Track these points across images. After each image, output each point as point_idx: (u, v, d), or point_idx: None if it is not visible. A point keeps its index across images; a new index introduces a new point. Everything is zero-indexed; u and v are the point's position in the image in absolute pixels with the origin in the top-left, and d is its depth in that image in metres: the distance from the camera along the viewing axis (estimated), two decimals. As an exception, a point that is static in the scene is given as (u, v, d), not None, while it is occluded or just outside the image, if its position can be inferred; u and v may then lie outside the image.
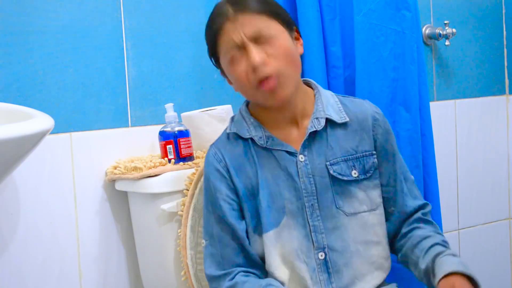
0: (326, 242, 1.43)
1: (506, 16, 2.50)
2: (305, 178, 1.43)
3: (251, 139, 1.46)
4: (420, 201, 1.52)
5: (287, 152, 1.44)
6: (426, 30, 2.28)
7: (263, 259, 1.46)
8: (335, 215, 1.44)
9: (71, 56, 1.73)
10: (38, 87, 1.69)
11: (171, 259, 1.69)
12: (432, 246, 1.42)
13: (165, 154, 1.72)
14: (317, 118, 1.45)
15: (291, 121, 1.46)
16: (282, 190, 1.43)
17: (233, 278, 1.42)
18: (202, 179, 1.63)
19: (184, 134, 1.73)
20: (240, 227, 1.44)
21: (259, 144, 1.45)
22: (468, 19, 2.41)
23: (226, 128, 1.51)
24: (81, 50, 1.75)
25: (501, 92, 2.53)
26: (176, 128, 1.73)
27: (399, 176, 1.49)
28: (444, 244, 1.43)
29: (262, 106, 1.46)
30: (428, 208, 1.52)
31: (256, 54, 1.37)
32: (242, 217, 1.46)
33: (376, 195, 1.48)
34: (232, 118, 1.51)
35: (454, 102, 2.40)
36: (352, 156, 1.46)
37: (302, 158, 1.44)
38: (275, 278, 1.43)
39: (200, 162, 1.71)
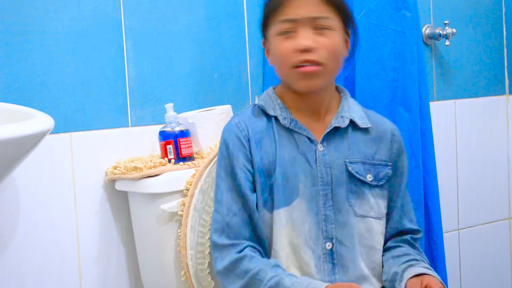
0: (335, 233, 1.44)
1: (506, 16, 2.50)
2: (322, 167, 1.45)
3: (275, 118, 1.47)
4: (414, 226, 1.55)
5: (308, 138, 1.46)
6: (426, 30, 2.28)
7: (268, 238, 1.45)
8: (347, 212, 1.45)
9: (71, 56, 1.73)
10: (38, 87, 1.69)
11: (171, 259, 1.69)
12: (409, 260, 1.45)
13: (165, 154, 1.72)
14: (342, 117, 1.48)
15: (314, 112, 1.48)
16: (298, 172, 1.44)
17: (241, 251, 1.41)
18: (202, 179, 1.64)
19: (184, 134, 1.73)
20: (252, 198, 1.44)
21: (282, 123, 1.46)
22: (468, 19, 2.41)
23: (250, 105, 1.53)
24: (81, 50, 1.75)
25: (501, 92, 2.53)
26: (176, 128, 1.73)
27: (401, 195, 1.52)
28: (422, 261, 1.46)
29: (291, 87, 1.47)
30: (419, 235, 1.55)
31: (308, 38, 1.40)
32: (254, 190, 1.45)
33: (383, 205, 1.50)
34: (258, 97, 1.53)
35: (454, 102, 2.40)
36: (369, 161, 1.48)
37: (321, 147, 1.46)
38: (278, 258, 1.43)
39: (200, 162, 1.71)
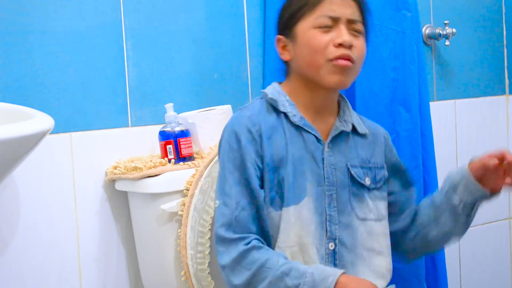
0: (338, 234, 1.44)
1: (506, 16, 2.50)
2: (329, 168, 1.46)
3: (285, 114, 1.46)
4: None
5: (316, 137, 1.46)
6: (426, 30, 2.28)
7: (272, 235, 1.44)
8: (349, 214, 1.46)
9: (71, 56, 1.73)
10: (38, 87, 1.69)
11: (171, 259, 1.69)
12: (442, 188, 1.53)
13: (165, 154, 1.73)
14: (345, 121, 1.50)
15: (319, 112, 1.49)
16: (306, 171, 1.44)
17: (249, 242, 1.39)
18: (202, 179, 1.64)
19: (184, 134, 1.73)
20: (261, 194, 1.42)
21: (292, 120, 1.46)
22: (468, 19, 2.41)
23: (257, 99, 1.51)
24: (81, 50, 1.75)
25: (501, 92, 2.53)
26: (176, 128, 1.73)
27: (409, 181, 1.58)
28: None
29: (310, 83, 1.46)
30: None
31: (349, 35, 1.44)
32: (262, 186, 1.43)
33: (382, 206, 1.51)
34: (266, 91, 1.50)
35: (454, 102, 2.40)
36: (366, 165, 1.51)
37: (327, 148, 1.46)
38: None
39: (200, 162, 1.71)
